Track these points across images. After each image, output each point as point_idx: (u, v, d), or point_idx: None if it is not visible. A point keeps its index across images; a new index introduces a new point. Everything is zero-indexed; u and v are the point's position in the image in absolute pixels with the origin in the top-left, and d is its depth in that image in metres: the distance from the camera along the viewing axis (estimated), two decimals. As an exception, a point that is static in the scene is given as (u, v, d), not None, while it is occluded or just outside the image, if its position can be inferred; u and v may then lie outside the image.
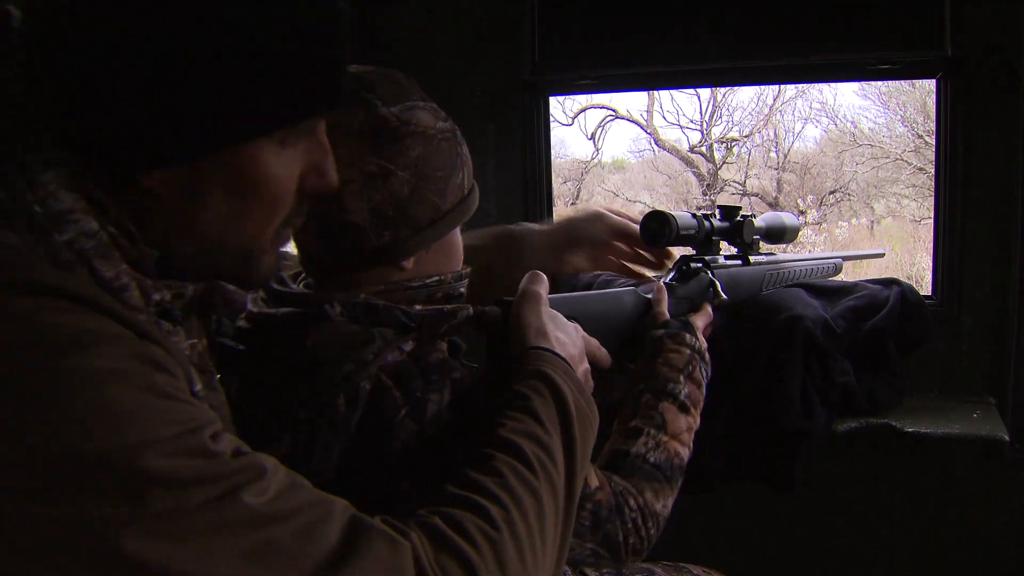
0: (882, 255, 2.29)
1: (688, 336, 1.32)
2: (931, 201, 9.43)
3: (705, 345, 1.36)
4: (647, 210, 1.49)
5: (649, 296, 1.41)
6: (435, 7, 2.06)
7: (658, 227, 1.45)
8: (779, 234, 1.70)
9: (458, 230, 1.16)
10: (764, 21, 1.84)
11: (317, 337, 1.01)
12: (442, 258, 1.14)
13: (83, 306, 0.64)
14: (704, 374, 1.32)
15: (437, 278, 1.11)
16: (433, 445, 0.98)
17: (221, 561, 0.61)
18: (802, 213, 10.09)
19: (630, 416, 1.24)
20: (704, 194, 10.73)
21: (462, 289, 1.14)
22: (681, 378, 1.27)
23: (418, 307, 1.04)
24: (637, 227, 1.46)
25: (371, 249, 1.06)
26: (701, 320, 1.42)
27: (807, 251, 8.48)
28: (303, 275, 1.14)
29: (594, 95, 8.59)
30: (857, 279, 1.91)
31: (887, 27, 1.79)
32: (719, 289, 1.51)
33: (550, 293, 1.13)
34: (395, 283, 1.07)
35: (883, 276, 1.94)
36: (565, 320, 1.12)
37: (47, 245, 0.66)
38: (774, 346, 1.67)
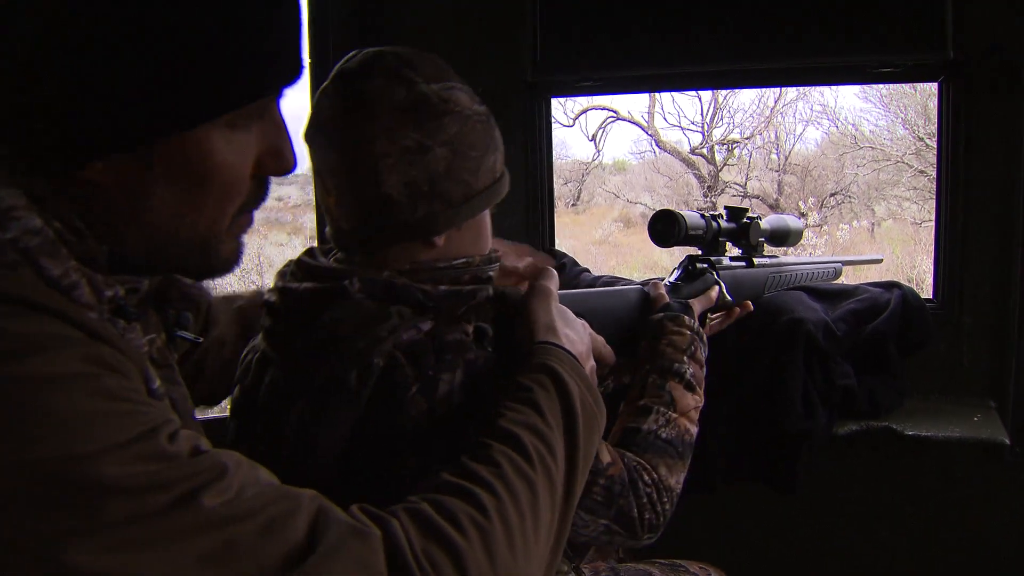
0: (880, 260, 2.30)
1: (688, 319, 1.34)
2: (932, 204, 9.44)
3: (702, 329, 1.38)
4: (648, 211, 1.50)
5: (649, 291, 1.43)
6: (436, 8, 2.06)
7: (666, 227, 1.46)
8: (783, 237, 1.71)
9: (488, 213, 1.17)
10: (766, 24, 1.85)
11: (334, 312, 1.02)
12: (471, 239, 1.15)
13: (27, 309, 0.62)
14: (705, 354, 1.34)
15: (464, 260, 1.12)
16: (442, 424, 0.99)
17: (181, 567, 0.59)
18: (803, 215, 10.10)
19: (638, 396, 1.26)
20: (705, 196, 10.74)
21: (491, 273, 1.15)
22: (685, 358, 1.29)
23: (443, 287, 1.05)
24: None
25: (403, 223, 1.07)
26: (700, 304, 1.45)
27: (808, 254, 8.49)
28: (334, 250, 1.15)
29: (595, 96, 8.58)
30: (858, 282, 1.92)
31: (889, 30, 1.79)
32: (724, 290, 1.51)
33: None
34: (422, 262, 1.08)
35: (884, 279, 1.95)
36: (574, 317, 1.12)
37: None
38: (776, 348, 1.68)
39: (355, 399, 0.99)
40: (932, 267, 2.01)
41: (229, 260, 0.79)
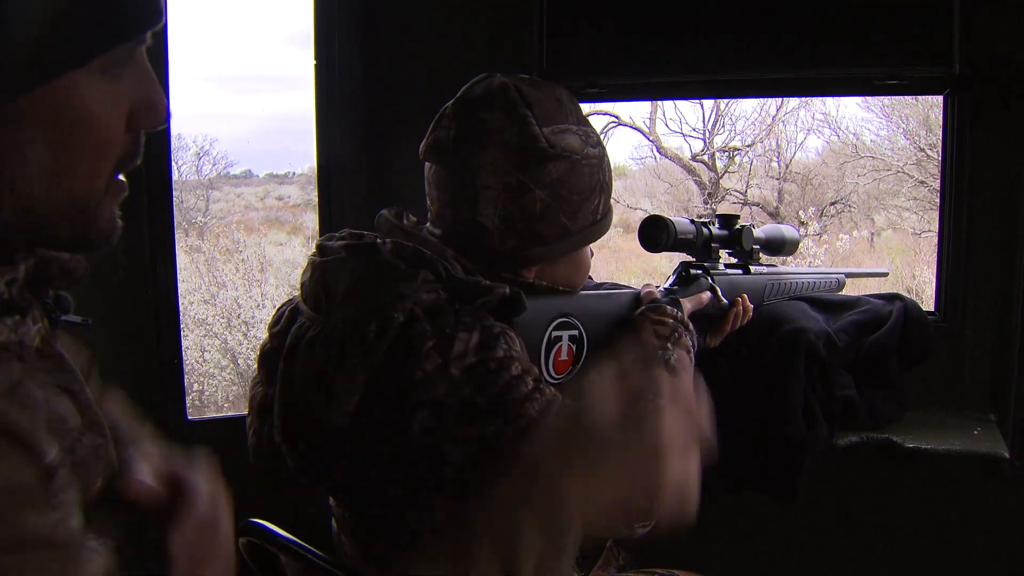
0: (886, 274, 2.30)
1: (670, 308, 1.36)
2: (932, 214, 9.45)
3: (690, 322, 1.39)
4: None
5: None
6: (442, 15, 2.06)
7: (655, 232, 1.47)
8: (778, 246, 1.71)
9: (587, 249, 1.23)
10: (774, 34, 1.85)
11: (363, 266, 1.09)
12: (565, 273, 1.23)
13: None
14: (692, 342, 1.35)
15: (546, 286, 1.20)
16: (453, 382, 1.02)
17: None
18: (803, 224, 10.09)
19: None
20: (705, 203, 10.73)
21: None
22: (668, 345, 1.30)
23: (465, 276, 1.10)
24: None
25: (491, 250, 1.15)
26: (691, 303, 1.45)
27: (808, 262, 8.48)
28: None
29: (598, 103, 8.59)
30: (860, 293, 1.92)
31: (896, 42, 1.79)
32: (719, 294, 1.52)
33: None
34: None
35: (884, 290, 1.94)
36: None
37: None
38: (777, 357, 1.68)
39: (372, 349, 1.03)
40: (934, 279, 2.01)
41: (105, 231, 0.72)
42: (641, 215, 11.45)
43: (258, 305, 6.83)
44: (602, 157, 1.19)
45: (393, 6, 2.07)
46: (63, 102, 0.64)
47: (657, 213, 1.52)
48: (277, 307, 1.27)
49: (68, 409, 0.72)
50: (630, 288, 1.48)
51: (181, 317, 2.12)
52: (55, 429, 0.67)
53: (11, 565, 0.54)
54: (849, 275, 1.93)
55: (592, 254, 1.29)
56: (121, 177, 0.73)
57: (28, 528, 0.56)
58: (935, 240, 9.58)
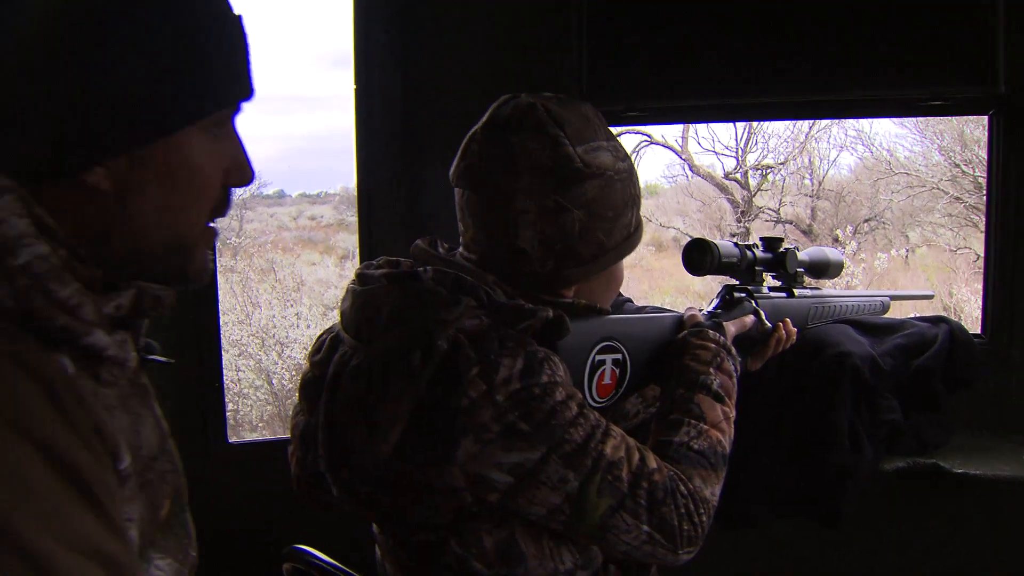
0: (931, 296, 2.27)
1: (712, 332, 1.33)
2: (968, 231, 9.34)
3: (732, 346, 1.36)
4: (681, 235, 1.51)
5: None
6: (482, 37, 2.08)
7: (699, 255, 1.46)
8: (823, 268, 1.69)
9: (621, 263, 1.24)
10: (815, 57, 1.84)
11: (405, 294, 1.10)
12: (600, 289, 1.23)
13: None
14: (734, 366, 1.32)
15: (586, 304, 1.20)
16: (498, 408, 1.02)
17: None
18: (838, 243, 10.01)
19: (668, 410, 1.25)
20: (738, 221, 10.67)
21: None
22: (711, 370, 1.28)
23: (507, 300, 1.10)
24: None
25: (531, 274, 1.15)
26: (734, 327, 1.44)
27: (845, 282, 8.40)
28: None
29: (636, 125, 8.59)
30: (903, 316, 1.90)
31: (939, 63, 1.78)
32: (763, 317, 1.51)
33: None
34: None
35: (923, 310, 1.92)
36: None
37: (2, 270, 0.68)
38: (822, 381, 1.66)
39: (417, 377, 1.04)
40: (979, 300, 1.98)
41: (199, 269, 0.85)
42: (674, 234, 11.46)
43: (292, 325, 6.88)
44: (631, 170, 1.19)
45: (433, 32, 2.09)
46: (179, 153, 0.78)
47: (701, 236, 1.51)
48: (318, 335, 1.27)
49: (147, 434, 0.82)
50: (673, 312, 1.47)
51: (219, 339, 2.14)
52: (132, 446, 0.76)
53: (71, 565, 0.60)
54: (894, 298, 1.91)
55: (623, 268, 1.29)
56: (213, 225, 0.87)
57: (84, 530, 0.62)
58: (971, 257, 9.45)
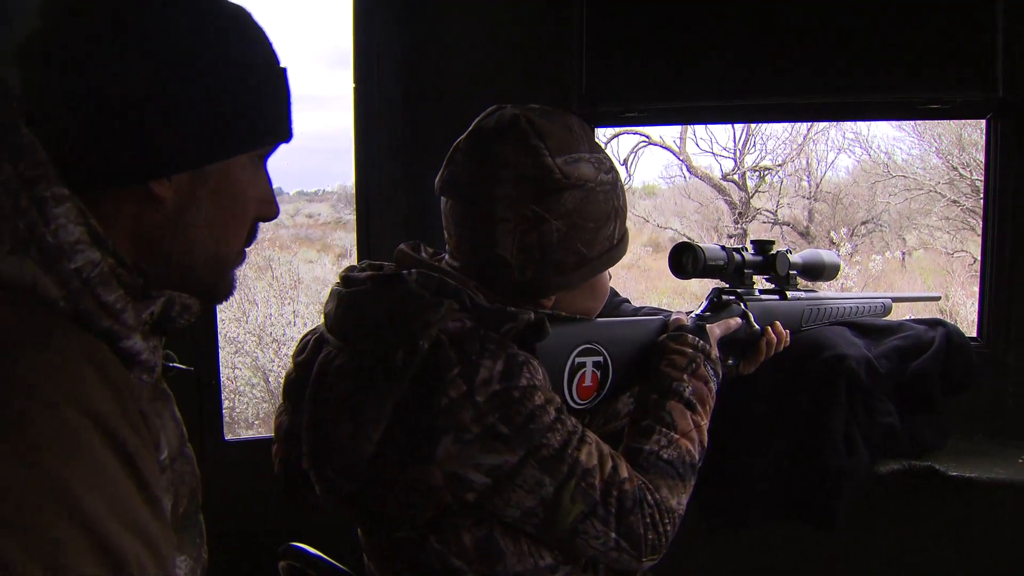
0: (939, 298, 2.26)
1: (691, 337, 1.32)
2: (965, 234, 9.35)
3: (714, 350, 1.36)
4: (679, 236, 1.51)
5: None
6: (483, 40, 2.08)
7: (684, 259, 1.46)
8: (817, 271, 1.69)
9: (606, 274, 1.24)
10: (812, 60, 1.84)
11: (389, 296, 1.11)
12: (583, 299, 1.24)
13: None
14: (712, 372, 1.32)
15: (565, 316, 1.20)
16: (478, 409, 1.04)
17: None
18: (834, 245, 10.02)
19: (641, 416, 1.25)
20: (736, 222, 10.68)
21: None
22: (685, 376, 1.27)
23: (489, 304, 1.11)
24: None
25: (512, 282, 1.16)
26: (719, 329, 1.43)
27: (840, 284, 8.40)
28: None
29: (635, 126, 8.59)
30: (899, 319, 1.90)
31: (937, 67, 1.78)
32: (752, 320, 1.50)
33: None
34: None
35: (918, 313, 1.92)
36: None
37: (56, 272, 0.72)
38: (817, 384, 1.66)
39: (400, 377, 1.06)
40: (976, 304, 1.99)
41: (227, 287, 0.93)
42: (671, 234, 11.46)
43: (289, 323, 6.86)
44: (615, 183, 1.20)
45: (432, 32, 2.09)
46: (230, 176, 0.87)
47: (686, 240, 1.51)
48: (302, 336, 1.29)
49: (169, 436, 0.86)
50: (663, 313, 1.47)
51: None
52: (159, 445, 0.82)
53: (133, 548, 0.62)
54: (897, 300, 1.90)
55: (610, 277, 1.29)
56: (247, 249, 0.94)
57: (137, 511, 0.66)
58: (968, 261, 9.45)
